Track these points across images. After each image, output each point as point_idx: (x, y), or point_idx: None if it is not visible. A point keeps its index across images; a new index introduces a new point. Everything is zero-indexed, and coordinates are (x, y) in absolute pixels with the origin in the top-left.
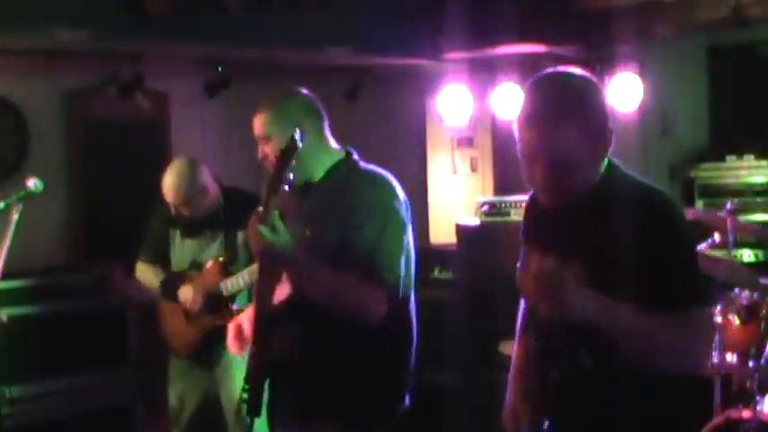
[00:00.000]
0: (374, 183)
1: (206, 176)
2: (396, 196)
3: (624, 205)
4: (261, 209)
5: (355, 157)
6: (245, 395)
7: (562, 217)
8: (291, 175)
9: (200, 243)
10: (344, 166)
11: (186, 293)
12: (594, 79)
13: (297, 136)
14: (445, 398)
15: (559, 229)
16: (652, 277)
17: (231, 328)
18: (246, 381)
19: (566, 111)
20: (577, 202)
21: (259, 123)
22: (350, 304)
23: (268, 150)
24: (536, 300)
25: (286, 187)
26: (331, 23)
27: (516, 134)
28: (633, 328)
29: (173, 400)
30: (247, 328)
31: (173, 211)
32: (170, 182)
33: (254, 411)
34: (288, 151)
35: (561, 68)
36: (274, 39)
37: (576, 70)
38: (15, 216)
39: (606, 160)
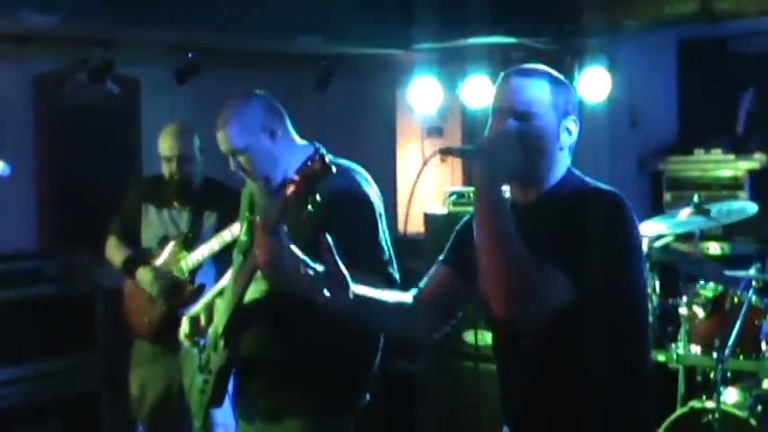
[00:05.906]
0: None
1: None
2: (370, 187)
3: (570, 203)
4: (266, 221)
5: (323, 151)
6: (205, 386)
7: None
8: (318, 197)
9: (172, 216)
10: None
11: (144, 276)
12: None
13: (327, 159)
14: (414, 386)
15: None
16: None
17: (184, 321)
18: (202, 370)
19: (540, 73)
20: (535, 203)
21: (225, 139)
22: None
23: (242, 161)
24: None
25: (310, 207)
26: (302, 12)
27: (493, 98)
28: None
29: (133, 389)
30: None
31: (165, 169)
32: (173, 131)
33: (215, 402)
34: (317, 175)
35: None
36: (245, 26)
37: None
38: None
39: (566, 167)
